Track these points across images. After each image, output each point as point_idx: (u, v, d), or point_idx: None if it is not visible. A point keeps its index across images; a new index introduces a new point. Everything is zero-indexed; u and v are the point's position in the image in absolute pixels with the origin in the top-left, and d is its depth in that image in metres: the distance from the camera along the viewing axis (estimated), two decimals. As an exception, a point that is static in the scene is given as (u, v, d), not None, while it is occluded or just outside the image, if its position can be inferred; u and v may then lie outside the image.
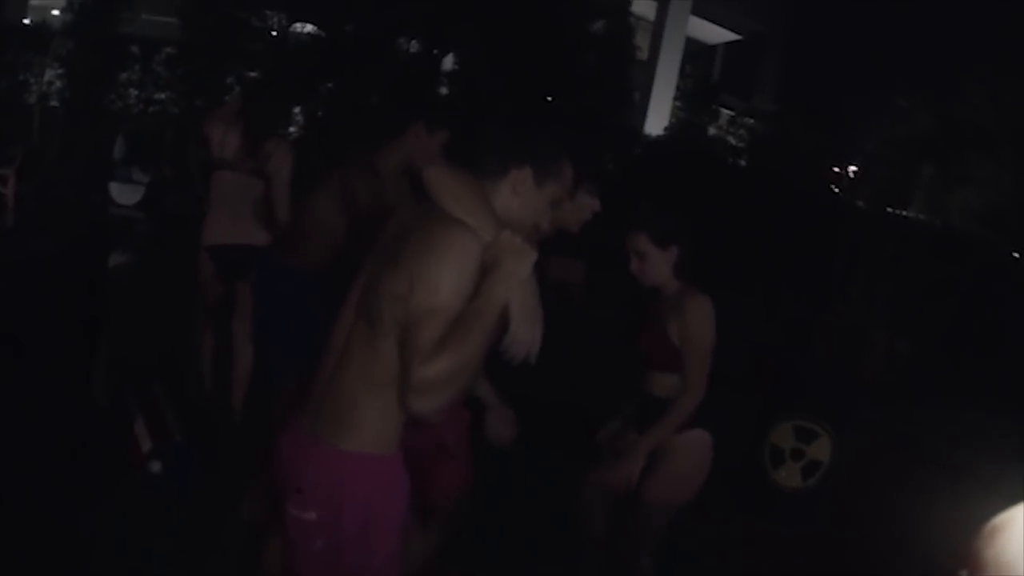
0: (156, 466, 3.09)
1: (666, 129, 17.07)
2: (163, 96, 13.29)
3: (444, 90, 13.20)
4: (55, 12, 14.57)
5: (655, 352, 2.60)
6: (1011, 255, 11.70)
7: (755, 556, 3.98)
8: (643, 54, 19.59)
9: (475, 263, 1.57)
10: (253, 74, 12.13)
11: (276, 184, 3.32)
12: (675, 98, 19.82)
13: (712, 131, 16.72)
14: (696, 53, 24.18)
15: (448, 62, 13.48)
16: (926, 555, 4.54)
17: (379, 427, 1.61)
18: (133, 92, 13.29)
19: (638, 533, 2.60)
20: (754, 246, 11.46)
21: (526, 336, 1.63)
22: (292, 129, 11.26)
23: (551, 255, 8.68)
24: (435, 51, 13.10)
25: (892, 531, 4.82)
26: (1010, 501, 0.98)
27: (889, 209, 12.62)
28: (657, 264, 2.55)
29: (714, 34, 25.99)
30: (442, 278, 1.54)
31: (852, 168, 15.81)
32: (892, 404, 7.46)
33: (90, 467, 3.06)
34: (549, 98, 12.98)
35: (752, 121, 16.33)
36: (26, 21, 15.53)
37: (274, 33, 12.85)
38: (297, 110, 12.02)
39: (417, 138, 2.87)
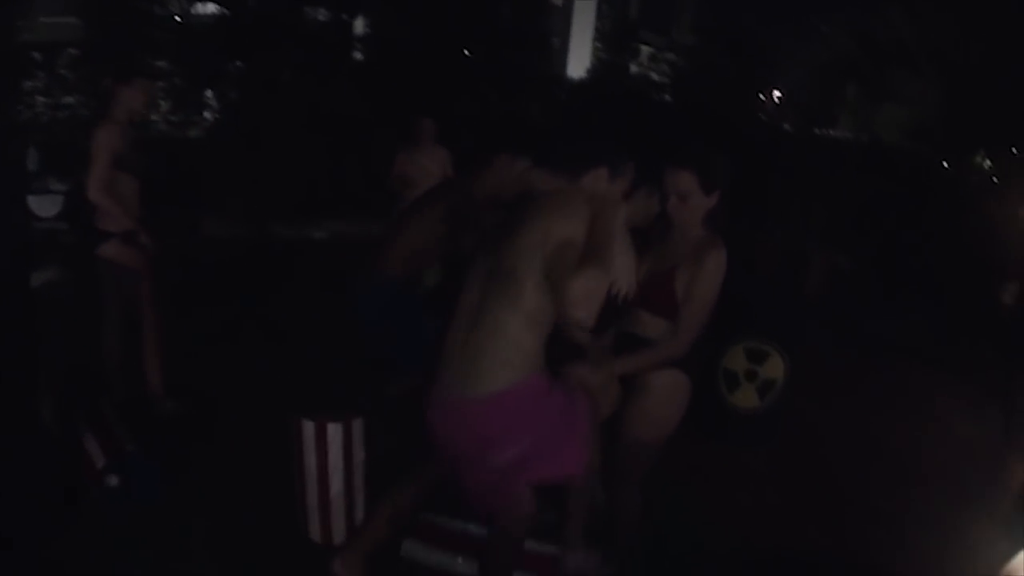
0: (113, 480, 3.01)
1: (588, 72, 16.99)
2: (71, 100, 12.67)
3: (359, 56, 12.87)
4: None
5: (653, 294, 2.51)
6: (940, 165, 12.04)
7: (725, 480, 4.12)
8: (558, -1, 19.40)
9: (586, 207, 2.23)
10: (161, 64, 11.67)
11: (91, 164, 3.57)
12: (594, 39, 19.71)
13: (634, 69, 16.70)
14: (612, -8, 23.98)
15: (359, 26, 13.15)
16: (889, 457, 4.82)
17: (525, 358, 2.12)
18: (40, 99, 12.65)
19: (622, 469, 2.66)
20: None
21: (625, 273, 2.35)
22: (206, 114, 10.89)
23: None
24: (344, 16, 12.72)
25: (851, 438, 5.04)
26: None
27: (817, 131, 12.83)
28: (696, 208, 2.49)
29: (629, -30, 25.77)
30: (570, 219, 2.20)
31: (776, 94, 16.00)
32: (837, 319, 7.68)
33: (48, 491, 2.97)
34: (467, 52, 12.77)
35: (673, 56, 16.35)
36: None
37: (178, 19, 12.33)
38: (209, 94, 11.60)
39: (504, 167, 3.31)
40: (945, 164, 12.53)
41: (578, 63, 19.35)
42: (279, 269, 6.52)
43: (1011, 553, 2.71)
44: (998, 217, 11.49)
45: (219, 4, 12.26)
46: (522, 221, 2.22)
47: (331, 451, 2.66)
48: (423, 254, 3.40)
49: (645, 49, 17.52)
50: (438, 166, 5.53)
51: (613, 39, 17.27)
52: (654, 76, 16.25)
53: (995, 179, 12.62)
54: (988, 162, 12.43)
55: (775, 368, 4.53)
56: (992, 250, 10.39)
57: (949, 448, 5.28)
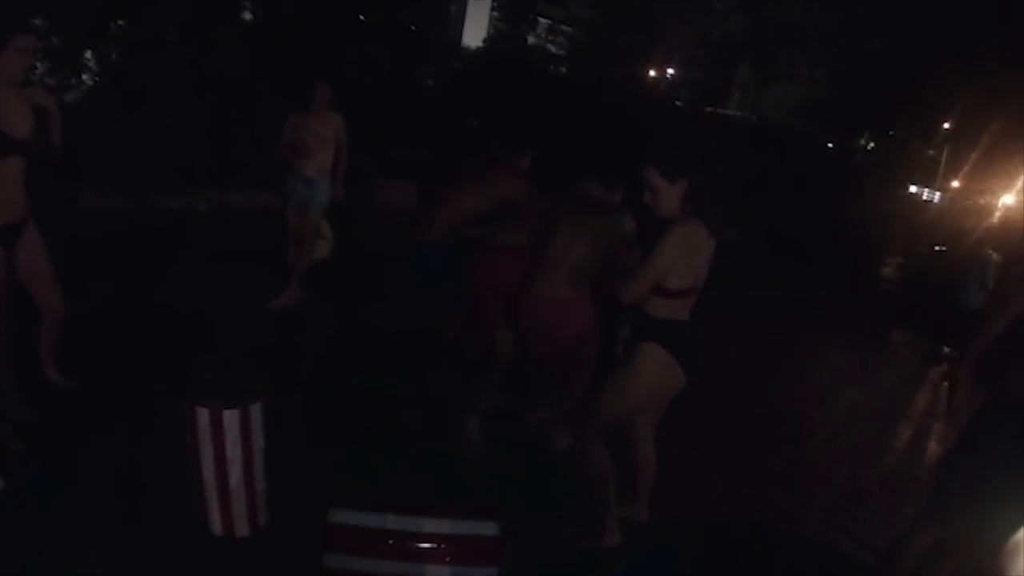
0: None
1: (485, 41, 16.75)
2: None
3: (247, 15, 12.18)
4: None
5: None
6: (825, 145, 12.51)
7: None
8: (456, -34, 19.02)
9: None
10: (37, 21, 10.65)
11: None
12: (492, 9, 19.45)
13: (531, 40, 16.58)
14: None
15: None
16: (784, 420, 4.96)
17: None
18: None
19: (584, 424, 2.90)
20: (579, 150, 11.54)
21: None
22: (85, 77, 10.01)
23: (374, 177, 8.29)
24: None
25: (748, 403, 5.14)
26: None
27: (708, 108, 13.06)
28: (667, 197, 2.73)
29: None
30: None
31: (670, 71, 16.22)
32: (727, 288, 7.85)
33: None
34: (362, 17, 12.31)
35: (570, 29, 16.33)
36: None
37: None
38: (89, 55, 10.69)
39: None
40: (830, 144, 13.08)
41: (475, 32, 19.06)
42: (163, 243, 6.05)
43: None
44: (879, 195, 12.16)
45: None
46: (581, 235, 3.44)
47: (228, 440, 2.41)
48: (469, 220, 3.82)
49: (543, 21, 17.41)
50: (332, 132, 5.22)
51: (511, 9, 17.06)
52: (551, 48, 16.18)
53: (876, 159, 13.29)
54: (871, 144, 13.02)
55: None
56: (875, 226, 11.01)
57: (838, 409, 5.49)
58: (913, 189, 15.25)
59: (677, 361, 2.73)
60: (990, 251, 7.26)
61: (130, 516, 2.64)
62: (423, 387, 4.19)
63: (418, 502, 2.59)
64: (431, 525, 2.46)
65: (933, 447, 5.23)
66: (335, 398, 3.83)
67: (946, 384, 6.57)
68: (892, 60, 11.49)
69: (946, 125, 12.40)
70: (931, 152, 13.29)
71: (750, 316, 7.37)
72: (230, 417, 2.43)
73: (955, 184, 12.47)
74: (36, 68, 8.65)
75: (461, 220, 3.81)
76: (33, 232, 3.24)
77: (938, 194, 14.31)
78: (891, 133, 12.38)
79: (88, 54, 10.17)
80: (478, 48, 15.73)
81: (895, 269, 10.98)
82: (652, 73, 16.59)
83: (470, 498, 2.64)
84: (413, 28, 12.16)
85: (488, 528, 2.51)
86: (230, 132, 8.06)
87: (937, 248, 10.53)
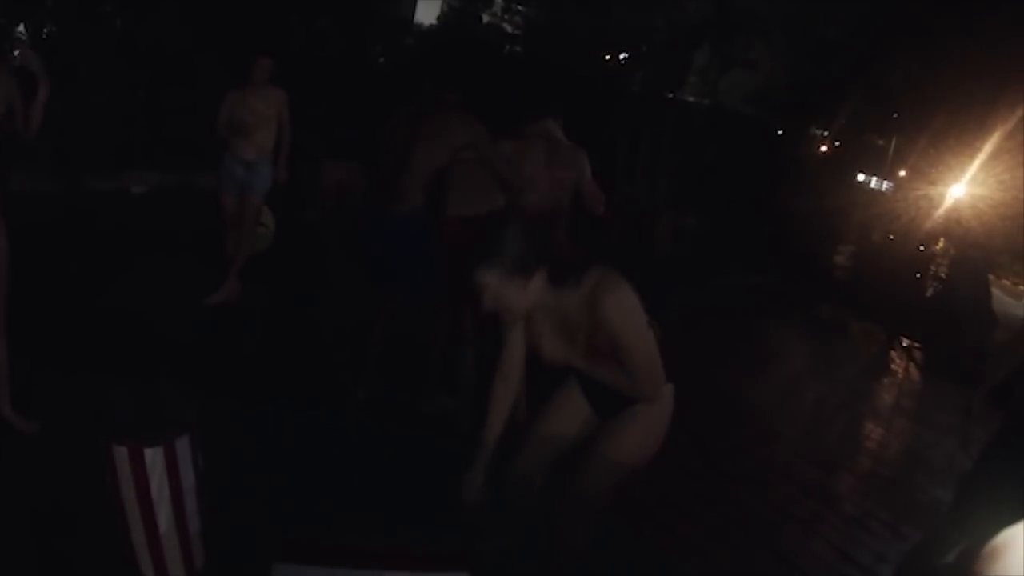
0: None
1: (439, 18, 16.33)
2: None
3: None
4: None
5: None
6: (776, 133, 12.48)
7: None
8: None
9: None
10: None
11: None
12: (446, -14, 19.00)
13: (486, 18, 16.21)
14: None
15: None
16: (749, 417, 4.80)
17: None
18: None
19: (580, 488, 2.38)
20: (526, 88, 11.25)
21: None
22: (16, 53, 9.34)
23: (320, 159, 7.83)
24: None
25: (712, 400, 4.96)
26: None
27: (664, 92, 12.88)
28: None
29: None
30: None
31: (623, 55, 15.97)
32: (684, 277, 7.72)
33: None
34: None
35: (525, 8, 15.99)
36: None
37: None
38: (21, 28, 9.97)
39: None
40: (780, 132, 13.05)
41: (428, 9, 18.61)
42: (95, 229, 5.55)
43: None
44: (831, 183, 12.18)
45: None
46: None
47: (153, 480, 2.07)
48: (433, 184, 3.42)
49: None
50: (274, 109, 4.79)
51: (465, -13, 16.68)
52: (507, 27, 15.83)
53: (828, 148, 13.32)
54: (824, 132, 13.03)
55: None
56: (827, 214, 11.01)
57: (804, 405, 5.37)
58: (861, 178, 15.38)
59: None
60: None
61: (49, 561, 2.29)
62: (389, 398, 3.78)
63: (375, 546, 2.27)
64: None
65: (902, 446, 5.15)
66: (279, 412, 3.36)
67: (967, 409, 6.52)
68: (847, 50, 11.46)
69: (895, 115, 12.44)
70: (880, 142, 13.37)
71: (707, 305, 7.20)
72: (152, 455, 2.09)
73: (903, 174, 12.56)
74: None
75: (429, 180, 3.38)
76: None
77: (886, 183, 14.43)
78: (844, 122, 12.40)
79: (20, 27, 9.49)
80: (431, 25, 15.29)
81: (848, 258, 11.04)
82: (607, 57, 16.38)
83: (435, 538, 2.31)
84: (363, 1, 11.69)
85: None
86: (167, 109, 7.54)
87: (890, 237, 10.59)
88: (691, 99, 13.38)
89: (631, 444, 2.25)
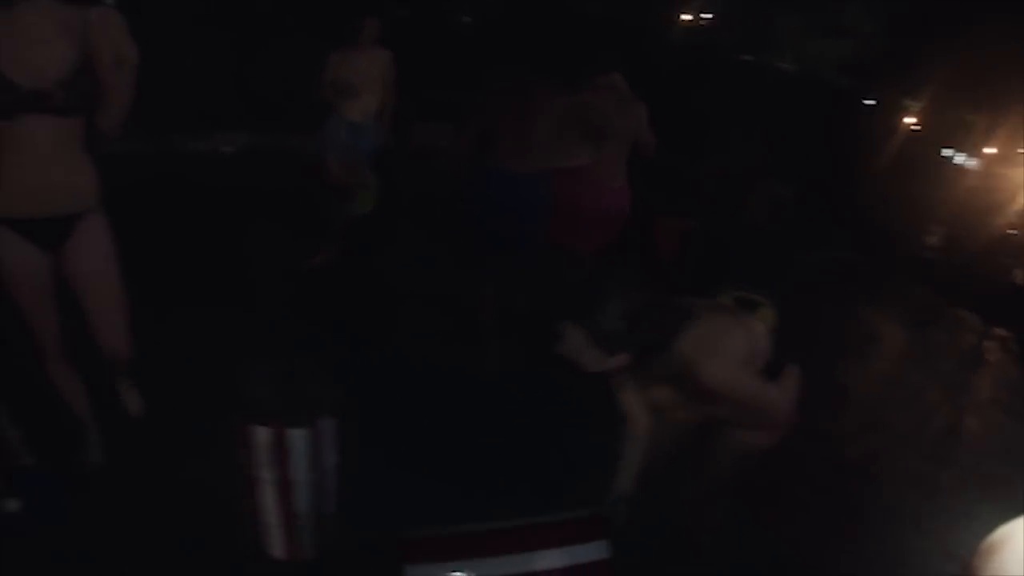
0: (13, 504, 2.29)
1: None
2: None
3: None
4: None
5: None
6: (862, 102, 11.96)
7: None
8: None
9: None
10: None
11: None
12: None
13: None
14: None
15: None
16: (855, 406, 4.64)
17: None
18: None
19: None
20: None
21: None
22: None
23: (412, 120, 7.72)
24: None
25: (823, 384, 4.79)
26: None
27: (746, 57, 12.46)
28: None
29: None
30: None
31: (705, 15, 15.49)
32: (781, 251, 7.44)
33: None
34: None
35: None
36: None
37: None
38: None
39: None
40: (868, 101, 12.51)
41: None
42: (189, 190, 5.60)
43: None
44: (920, 158, 11.68)
45: None
46: None
47: (293, 462, 2.02)
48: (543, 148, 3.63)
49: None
50: (379, 71, 4.71)
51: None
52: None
53: (917, 120, 12.75)
54: (915, 104, 12.45)
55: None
56: (916, 190, 10.56)
57: (902, 393, 5.18)
58: (947, 153, 14.71)
59: None
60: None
61: (164, 538, 2.29)
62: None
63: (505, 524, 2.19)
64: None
65: (1002, 442, 4.93)
66: (401, 390, 3.39)
67: None
68: (945, 17, 10.90)
69: (990, 88, 11.85)
70: (970, 116, 12.76)
71: (797, 280, 6.96)
72: (298, 437, 2.04)
73: (993, 150, 11.99)
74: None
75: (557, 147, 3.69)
76: (95, 231, 2.31)
77: (972, 159, 13.80)
78: (935, 93, 11.85)
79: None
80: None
81: (939, 238, 10.56)
82: (686, 16, 15.89)
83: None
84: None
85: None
86: (257, 69, 7.55)
87: (980, 218, 10.10)
88: (773, 63, 12.90)
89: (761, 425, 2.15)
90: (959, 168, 13.68)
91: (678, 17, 15.24)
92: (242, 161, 7.21)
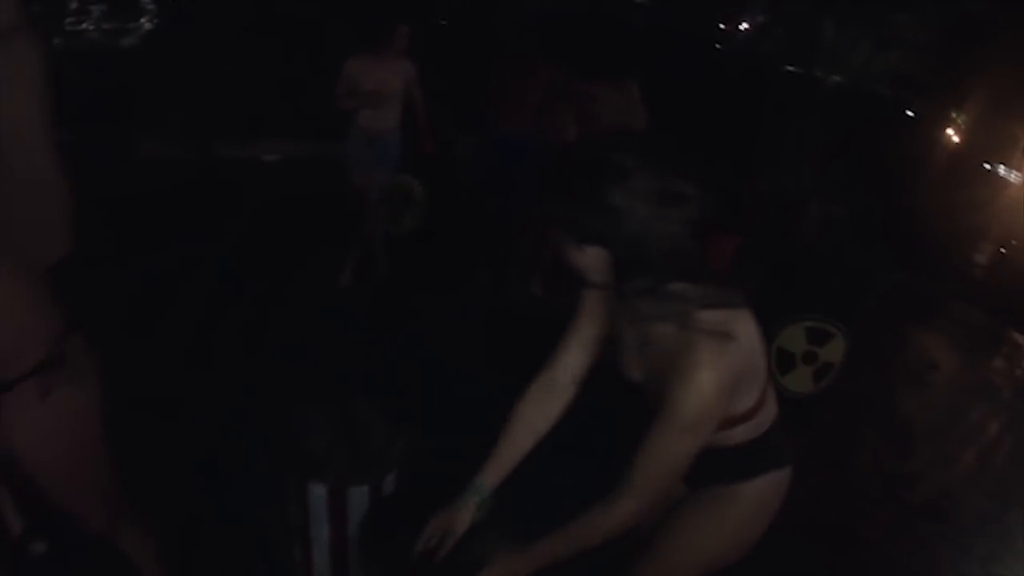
0: (39, 547, 2.15)
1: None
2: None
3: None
4: None
5: None
6: (904, 113, 11.66)
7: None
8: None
9: None
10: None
11: None
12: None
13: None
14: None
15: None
16: (921, 436, 4.46)
17: None
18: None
19: None
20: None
21: None
22: (143, 20, 9.48)
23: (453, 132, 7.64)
24: None
25: (880, 413, 4.66)
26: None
27: (789, 68, 12.20)
28: None
29: None
30: None
31: (743, 25, 15.20)
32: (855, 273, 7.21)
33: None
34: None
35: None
36: None
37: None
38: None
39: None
40: (911, 113, 12.19)
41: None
42: (228, 199, 5.53)
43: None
44: (965, 172, 11.38)
45: None
46: None
47: (352, 520, 1.85)
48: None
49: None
50: (401, 81, 4.38)
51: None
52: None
53: (960, 133, 12.42)
54: (961, 117, 12.12)
55: (836, 351, 3.95)
56: (963, 205, 10.28)
57: (968, 425, 4.96)
58: (988, 166, 14.34)
59: None
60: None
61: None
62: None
63: None
64: None
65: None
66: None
67: None
68: (997, 30, 10.61)
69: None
70: (1016, 130, 12.41)
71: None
72: (358, 495, 1.88)
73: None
74: (90, 12, 8.17)
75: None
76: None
77: (1015, 173, 13.43)
78: (982, 107, 11.54)
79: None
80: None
81: (989, 256, 10.26)
82: (722, 26, 15.68)
83: None
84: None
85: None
86: (298, 78, 7.48)
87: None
88: (814, 74, 12.62)
89: (711, 541, 1.69)
90: (1006, 182, 13.34)
91: (721, 27, 15.05)
92: (285, 168, 7.14)
